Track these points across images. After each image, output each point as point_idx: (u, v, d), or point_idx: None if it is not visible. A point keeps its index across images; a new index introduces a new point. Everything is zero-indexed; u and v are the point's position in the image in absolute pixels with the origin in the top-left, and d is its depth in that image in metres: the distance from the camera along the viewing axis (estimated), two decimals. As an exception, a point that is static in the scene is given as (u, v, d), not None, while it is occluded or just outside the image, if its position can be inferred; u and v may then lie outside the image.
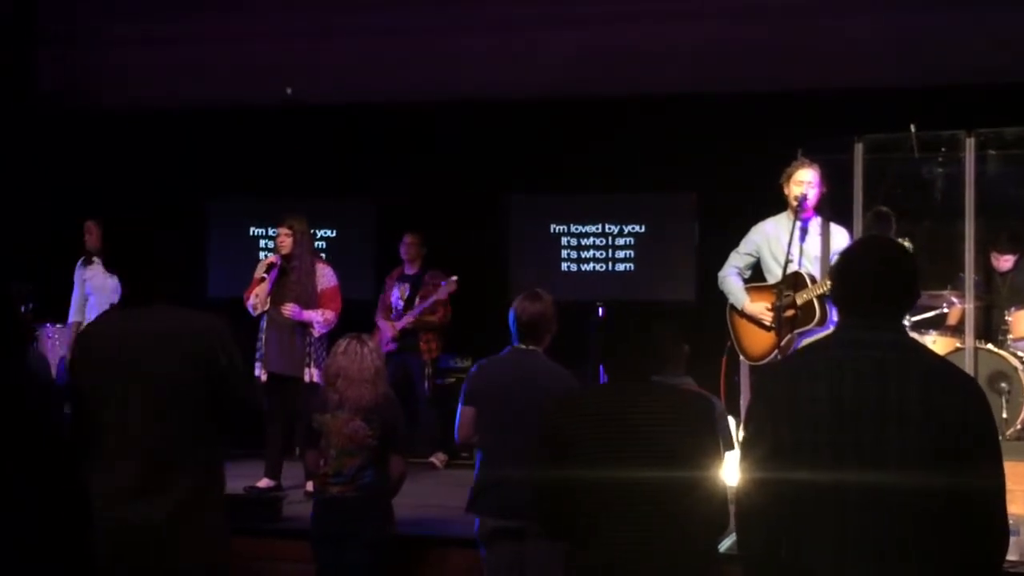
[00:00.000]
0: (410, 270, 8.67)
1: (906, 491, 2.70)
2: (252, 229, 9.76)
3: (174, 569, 3.43)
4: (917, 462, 2.70)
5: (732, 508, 3.04)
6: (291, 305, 7.20)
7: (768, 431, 2.84)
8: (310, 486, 6.31)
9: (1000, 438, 6.82)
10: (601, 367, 3.74)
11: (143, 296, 3.55)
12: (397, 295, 8.62)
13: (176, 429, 3.44)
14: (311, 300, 7.28)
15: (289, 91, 9.76)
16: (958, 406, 2.72)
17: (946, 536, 2.71)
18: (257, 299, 7.31)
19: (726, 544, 4.01)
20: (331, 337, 6.90)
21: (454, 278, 8.39)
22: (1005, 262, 7.85)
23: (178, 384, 3.44)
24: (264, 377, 7.29)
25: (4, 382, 3.14)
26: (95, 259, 8.35)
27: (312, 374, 7.16)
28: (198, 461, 3.51)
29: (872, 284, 2.86)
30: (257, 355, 7.35)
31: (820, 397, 2.77)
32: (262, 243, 9.71)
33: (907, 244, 6.25)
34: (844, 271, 2.95)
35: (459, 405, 4.96)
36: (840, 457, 2.73)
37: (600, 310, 8.74)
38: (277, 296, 7.29)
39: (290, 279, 7.28)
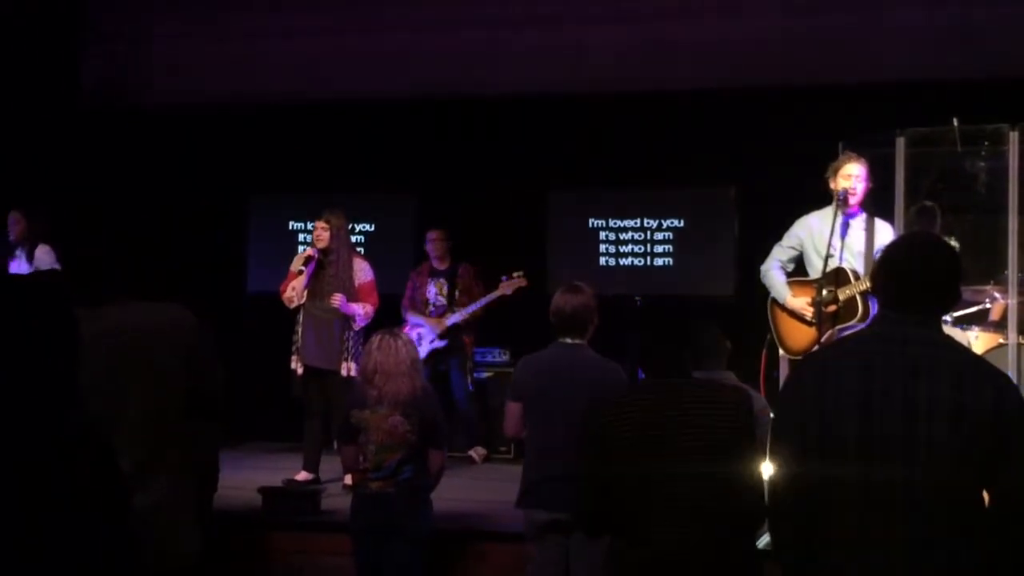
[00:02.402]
0: (441, 265, 8.63)
1: (935, 488, 2.68)
2: (292, 224, 9.80)
3: (152, 562, 3.42)
4: (947, 459, 2.68)
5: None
6: (339, 296, 7.24)
7: (798, 426, 2.83)
8: (348, 479, 6.34)
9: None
10: (640, 363, 3.73)
11: (107, 293, 3.49)
12: (435, 291, 8.58)
13: (163, 422, 3.42)
14: (349, 294, 7.32)
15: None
16: (990, 403, 2.69)
17: (978, 533, 2.70)
18: (294, 292, 7.36)
19: (764, 540, 3.99)
20: (366, 332, 6.94)
21: (520, 273, 8.35)
22: (1050, 257, 7.75)
23: (167, 377, 3.42)
24: (300, 370, 7.34)
25: (55, 382, 3.15)
26: (18, 251, 8.37)
27: (349, 368, 7.19)
28: (179, 453, 3.49)
29: (911, 281, 2.84)
30: (293, 348, 7.39)
31: (849, 392, 2.76)
32: (301, 237, 9.74)
33: (952, 242, 6.19)
34: (885, 266, 2.93)
35: (507, 400, 4.95)
36: (868, 453, 2.73)
37: (638, 301, 8.72)
38: (314, 289, 7.33)
39: (327, 273, 7.32)
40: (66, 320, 2.80)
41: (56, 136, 9.82)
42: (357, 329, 7.31)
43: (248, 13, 9.97)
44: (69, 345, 2.78)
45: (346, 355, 7.25)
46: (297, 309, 7.41)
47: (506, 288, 8.34)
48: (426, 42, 9.62)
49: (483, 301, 8.41)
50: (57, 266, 8.25)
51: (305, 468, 7.26)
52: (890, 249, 2.99)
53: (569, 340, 4.80)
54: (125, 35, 10.34)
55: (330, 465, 7.18)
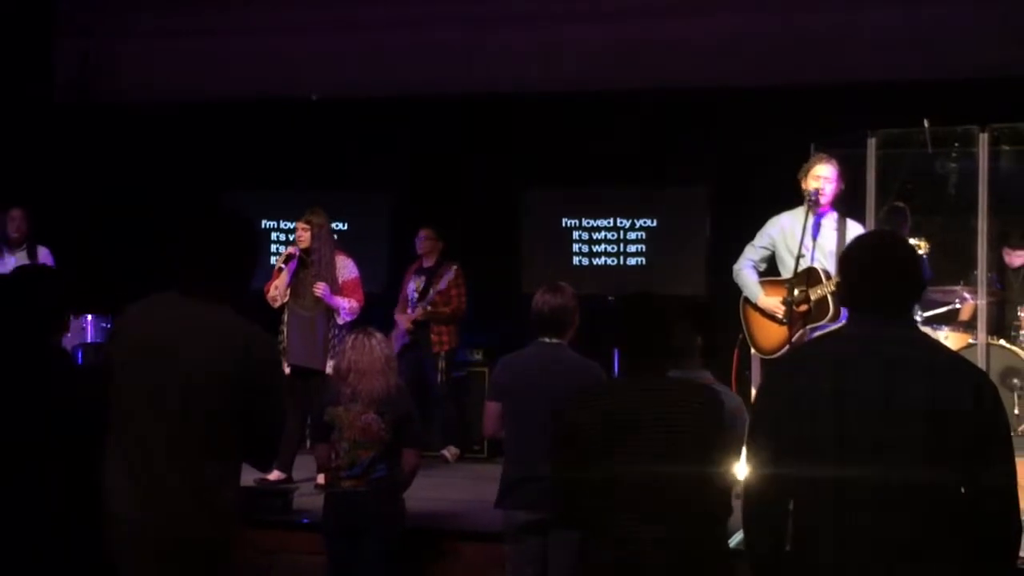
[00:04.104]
0: (428, 263, 8.64)
1: (913, 487, 2.68)
2: (264, 222, 9.76)
3: (181, 569, 3.37)
4: (925, 458, 2.68)
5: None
6: (322, 284, 7.21)
7: (773, 425, 2.84)
8: (321, 479, 6.32)
9: (1012, 434, 6.74)
10: (616, 359, 3.74)
11: (207, 289, 3.42)
12: (412, 288, 8.59)
13: (204, 429, 3.32)
14: (332, 292, 7.29)
15: (314, 96, 9.76)
16: (968, 401, 2.69)
17: (955, 533, 2.70)
18: (277, 291, 7.33)
19: (737, 539, 4.00)
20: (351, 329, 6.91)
21: (454, 267, 8.36)
22: (1018, 258, 7.83)
23: (216, 387, 3.31)
24: (287, 370, 7.29)
25: (28, 370, 3.12)
26: (5, 251, 8.30)
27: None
28: (221, 464, 3.39)
29: (873, 280, 2.85)
30: (278, 347, 7.35)
31: (824, 392, 2.76)
32: (273, 236, 9.71)
33: (922, 242, 6.24)
34: (846, 268, 2.94)
35: (486, 400, 4.95)
36: (845, 452, 2.72)
37: (611, 301, 8.73)
38: (296, 289, 7.30)
39: (309, 272, 7.29)
40: (33, 323, 2.78)
41: (28, 131, 9.76)
42: (342, 324, 7.27)
43: (222, 10, 9.94)
44: (40, 349, 2.77)
45: (331, 353, 7.20)
46: (281, 308, 7.38)
47: (441, 283, 8.35)
48: (401, 41, 9.61)
49: (428, 298, 8.39)
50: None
51: (278, 467, 7.22)
52: (847, 252, 2.99)
53: (548, 339, 4.81)
54: (99, 31, 10.29)
55: (303, 464, 7.16)
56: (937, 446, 2.68)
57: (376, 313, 8.45)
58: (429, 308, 8.39)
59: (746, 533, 2.98)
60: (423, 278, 8.58)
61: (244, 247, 3.51)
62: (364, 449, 5.13)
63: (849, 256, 2.96)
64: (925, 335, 2.93)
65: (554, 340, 4.79)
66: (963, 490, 2.71)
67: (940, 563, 2.69)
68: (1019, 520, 2.76)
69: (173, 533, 3.29)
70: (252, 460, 3.56)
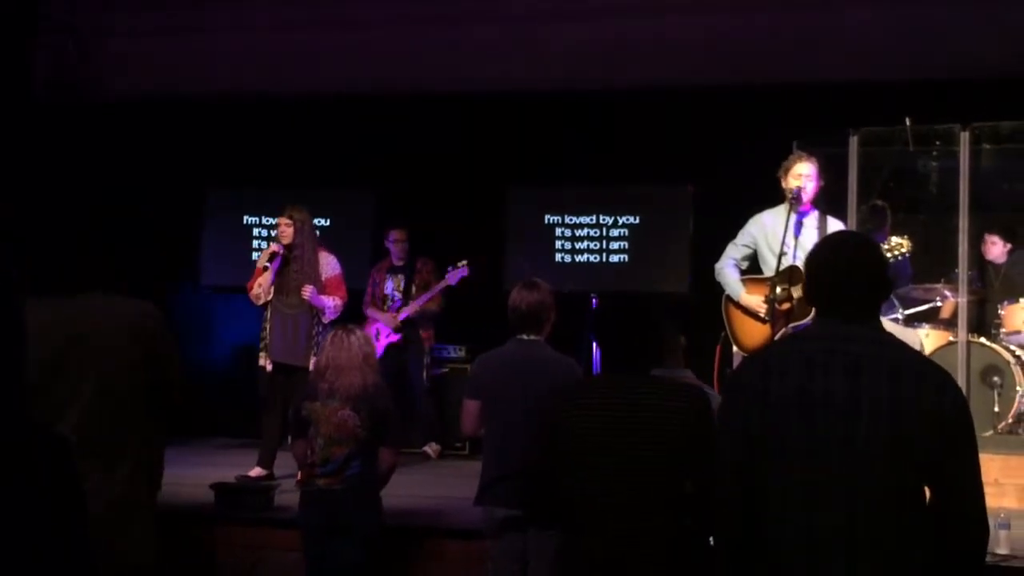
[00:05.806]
0: (399, 261, 8.66)
1: (878, 486, 2.68)
2: (246, 218, 9.74)
3: (106, 564, 3.38)
4: (891, 457, 2.68)
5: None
6: (309, 287, 7.20)
7: (739, 422, 2.83)
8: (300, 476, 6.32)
9: (991, 432, 6.77)
10: (599, 358, 3.74)
11: (77, 284, 3.48)
12: (392, 286, 8.60)
13: (119, 418, 3.39)
14: (316, 288, 7.28)
15: None
16: (933, 402, 2.69)
17: (921, 532, 2.70)
18: (260, 288, 7.31)
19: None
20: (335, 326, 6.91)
21: (464, 262, 8.39)
22: (994, 245, 7.84)
23: (125, 369, 3.39)
24: (269, 367, 7.29)
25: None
26: None
27: None
28: (135, 451, 3.47)
29: (838, 281, 2.84)
30: (261, 344, 7.35)
31: (790, 390, 2.76)
32: (256, 232, 9.68)
33: (904, 241, 6.26)
34: (811, 270, 2.95)
35: (464, 398, 4.94)
36: (811, 452, 2.72)
37: (594, 301, 8.74)
38: (280, 285, 7.29)
39: (292, 268, 7.28)
40: (9, 317, 2.75)
41: (10, 129, 9.71)
42: (326, 322, 7.26)
43: (206, 7, 9.91)
44: (14, 342, 2.74)
45: (314, 350, 7.19)
46: (265, 306, 7.37)
47: (450, 278, 8.36)
48: (385, 38, 9.59)
49: (429, 293, 8.42)
50: None
51: (259, 464, 7.22)
52: (812, 254, 2.99)
53: (526, 336, 4.80)
54: (82, 28, 10.24)
55: (285, 461, 7.15)
56: (903, 446, 2.68)
57: (360, 310, 8.48)
58: (426, 305, 8.41)
59: (714, 528, 2.98)
60: (401, 276, 8.60)
61: (94, 234, 3.60)
62: (339, 446, 5.10)
63: (815, 257, 2.96)
64: (891, 335, 2.93)
65: (531, 337, 4.79)
66: (928, 490, 2.72)
67: (907, 561, 2.69)
68: (984, 517, 2.75)
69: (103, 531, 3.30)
70: (165, 419, 3.63)
